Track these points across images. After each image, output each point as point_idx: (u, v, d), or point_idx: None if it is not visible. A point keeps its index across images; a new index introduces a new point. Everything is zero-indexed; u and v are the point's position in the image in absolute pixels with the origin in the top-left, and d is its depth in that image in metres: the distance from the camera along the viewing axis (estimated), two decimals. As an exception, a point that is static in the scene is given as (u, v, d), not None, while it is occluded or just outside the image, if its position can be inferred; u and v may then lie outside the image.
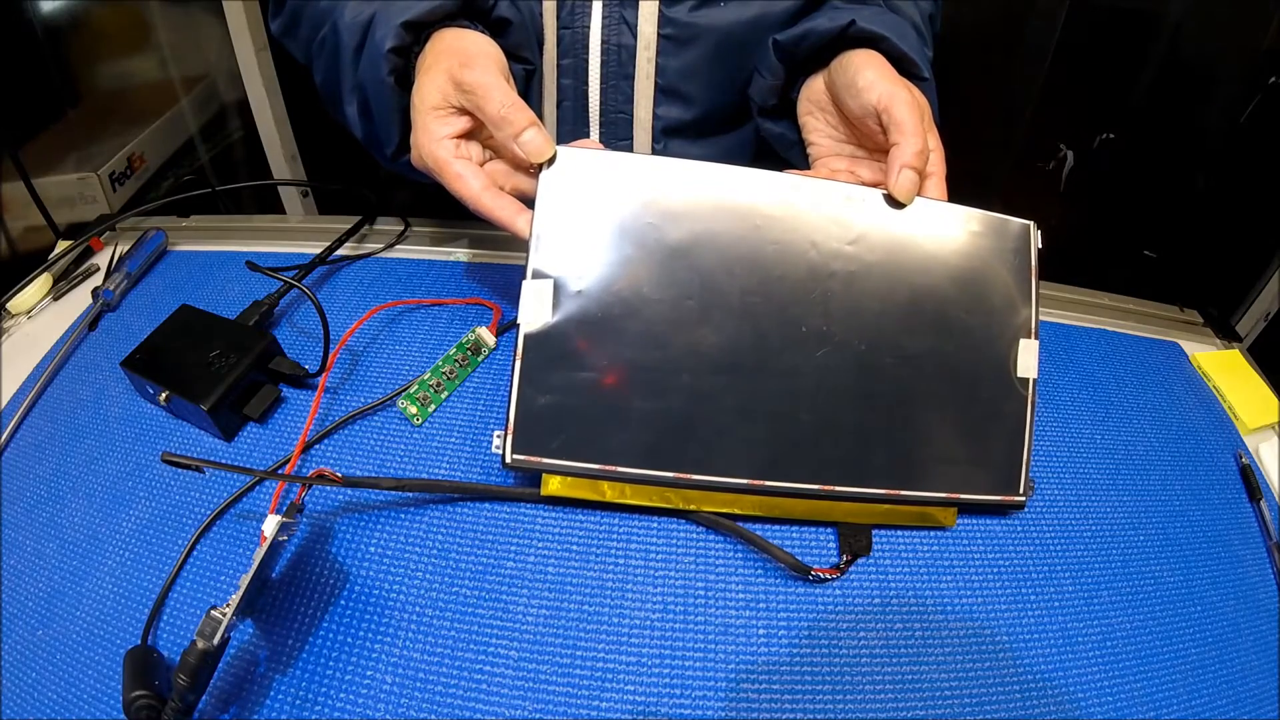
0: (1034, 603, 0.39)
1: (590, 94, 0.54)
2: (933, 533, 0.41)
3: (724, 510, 0.39)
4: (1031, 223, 0.41)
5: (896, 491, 0.39)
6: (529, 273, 0.38)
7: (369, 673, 0.34)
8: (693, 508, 0.39)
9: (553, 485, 0.38)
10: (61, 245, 0.59)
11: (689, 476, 0.38)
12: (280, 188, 0.98)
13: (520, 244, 0.39)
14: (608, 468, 0.38)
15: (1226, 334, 0.59)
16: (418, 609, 0.36)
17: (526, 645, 0.35)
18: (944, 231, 0.40)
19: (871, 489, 0.39)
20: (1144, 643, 0.39)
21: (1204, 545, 0.43)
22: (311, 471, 0.40)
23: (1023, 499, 0.41)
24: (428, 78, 0.41)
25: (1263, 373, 0.54)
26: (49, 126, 0.89)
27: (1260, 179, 0.88)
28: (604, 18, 0.51)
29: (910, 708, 0.35)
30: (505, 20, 0.47)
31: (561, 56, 0.53)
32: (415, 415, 0.44)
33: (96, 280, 0.56)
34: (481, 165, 0.42)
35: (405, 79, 0.44)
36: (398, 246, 0.57)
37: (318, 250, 0.54)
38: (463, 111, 0.41)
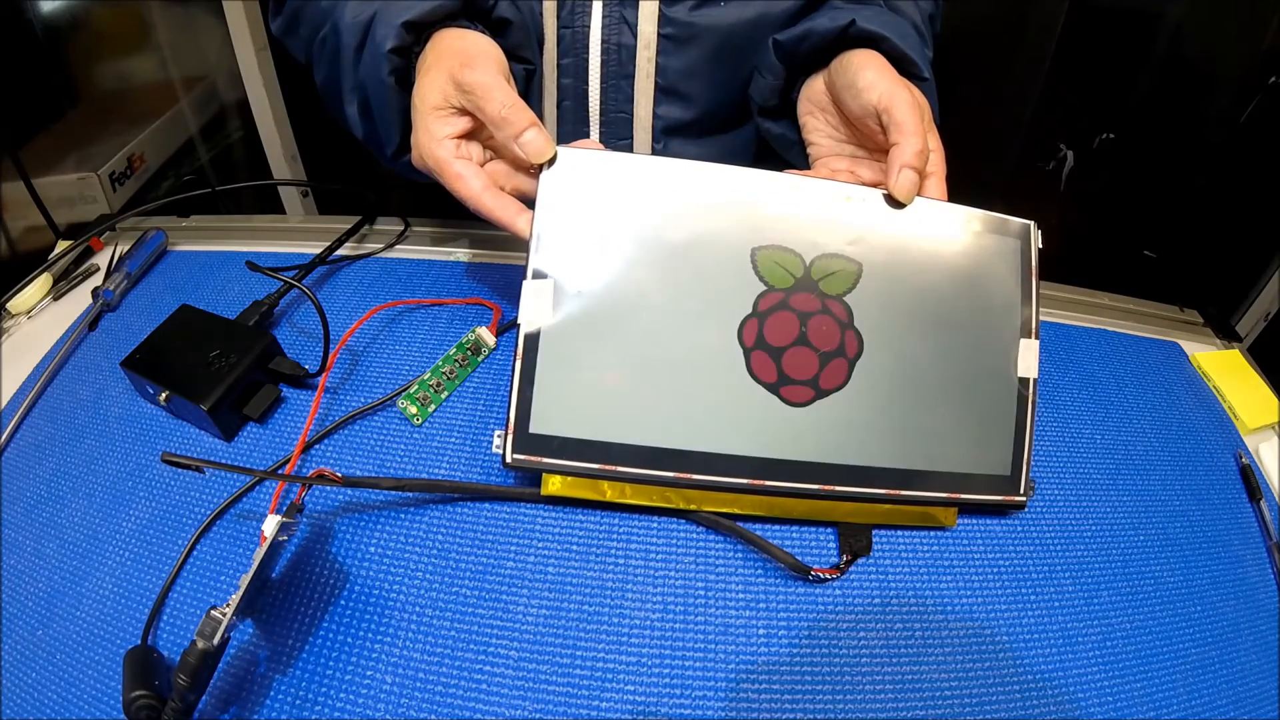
0: (1034, 603, 0.39)
1: (590, 94, 0.54)
2: (933, 533, 0.41)
3: (724, 510, 0.39)
4: (1032, 223, 0.41)
5: (897, 492, 0.39)
6: (529, 273, 0.38)
7: (369, 673, 0.34)
8: (693, 508, 0.39)
9: (553, 485, 0.38)
10: (61, 245, 0.59)
11: (689, 476, 0.38)
12: (280, 188, 0.98)
13: (520, 244, 0.39)
14: (608, 467, 0.38)
15: (1226, 334, 0.59)
16: (418, 609, 0.36)
17: (526, 645, 0.35)
18: (944, 231, 0.40)
19: (872, 489, 0.39)
20: (1144, 643, 0.39)
21: (1204, 545, 0.43)
22: (311, 471, 0.40)
23: (1023, 499, 0.41)
24: (428, 78, 0.41)
25: (1263, 373, 0.54)
26: (49, 126, 0.89)
27: (1260, 179, 0.88)
28: (604, 17, 0.51)
29: (910, 708, 0.35)
30: (505, 20, 0.47)
31: (562, 56, 0.53)
32: (415, 415, 0.44)
33: (96, 280, 0.56)
34: (482, 165, 0.42)
35: (406, 79, 0.44)
36: (398, 246, 0.57)
37: (318, 250, 0.54)
38: (463, 112, 0.41)
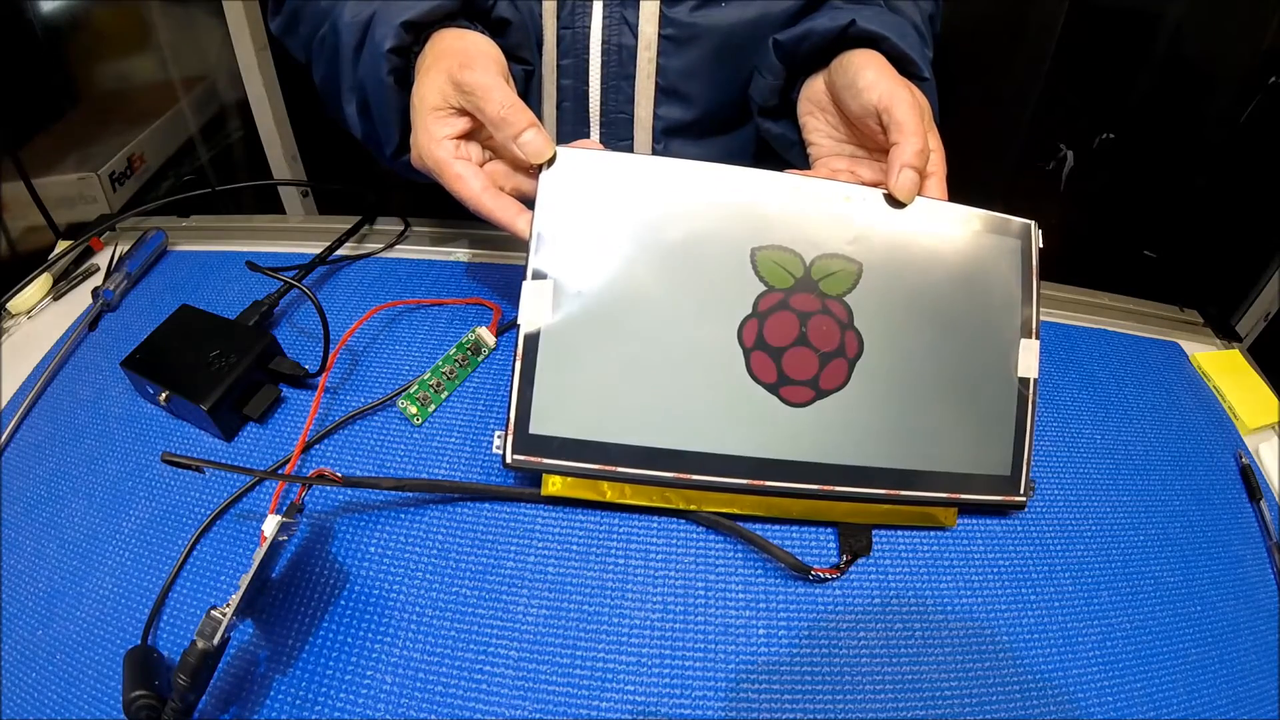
0: (1034, 603, 0.39)
1: (590, 94, 0.54)
2: (933, 533, 0.41)
3: (724, 510, 0.39)
4: (1032, 222, 0.41)
5: (897, 492, 0.39)
6: (529, 273, 0.38)
7: (369, 673, 0.34)
8: (693, 508, 0.39)
9: (553, 485, 0.38)
10: (61, 245, 0.59)
11: (689, 476, 0.38)
12: (280, 188, 0.98)
13: (520, 244, 0.39)
14: (608, 468, 0.38)
15: (1226, 334, 0.59)
16: (418, 609, 0.36)
17: (526, 645, 0.35)
18: (944, 231, 0.40)
19: (872, 489, 0.39)
20: (1144, 643, 0.39)
21: (1204, 545, 0.43)
22: (311, 471, 0.40)
23: (1023, 499, 0.41)
24: (427, 78, 0.41)
25: (1263, 373, 0.54)
26: (49, 126, 0.89)
27: (1260, 179, 0.88)
28: (604, 18, 0.51)
29: (910, 708, 0.35)
30: (505, 20, 0.47)
31: (562, 56, 0.53)
32: (415, 415, 0.44)
33: (96, 280, 0.56)
34: (481, 166, 0.42)
35: (405, 79, 0.44)
36: (398, 246, 0.57)
37: (318, 250, 0.54)
38: (462, 112, 0.41)
